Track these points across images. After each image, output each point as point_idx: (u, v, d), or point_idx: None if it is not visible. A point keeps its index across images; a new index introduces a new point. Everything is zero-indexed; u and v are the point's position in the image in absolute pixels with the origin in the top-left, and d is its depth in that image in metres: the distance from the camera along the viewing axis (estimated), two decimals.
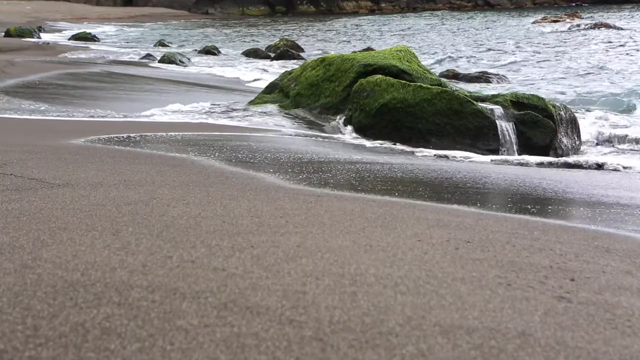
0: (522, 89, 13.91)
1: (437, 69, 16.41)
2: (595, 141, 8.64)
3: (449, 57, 22.04)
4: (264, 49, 24.46)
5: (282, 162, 5.46)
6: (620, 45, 22.93)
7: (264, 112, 8.95)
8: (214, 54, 23.56)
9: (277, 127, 8.11)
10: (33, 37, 28.41)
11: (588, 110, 11.33)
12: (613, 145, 8.32)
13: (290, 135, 7.69)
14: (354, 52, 19.47)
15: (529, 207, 4.23)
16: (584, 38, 26.54)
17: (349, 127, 8.19)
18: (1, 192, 3.43)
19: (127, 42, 30.90)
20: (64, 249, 2.50)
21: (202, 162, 4.90)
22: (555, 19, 38.25)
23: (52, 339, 1.77)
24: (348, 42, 31.46)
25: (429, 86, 8.06)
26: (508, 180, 5.48)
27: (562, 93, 13.89)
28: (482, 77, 15.14)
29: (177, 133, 6.67)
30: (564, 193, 4.91)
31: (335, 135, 7.98)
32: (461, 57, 21.83)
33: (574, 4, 61.67)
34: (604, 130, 9.41)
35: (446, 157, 7.07)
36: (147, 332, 1.84)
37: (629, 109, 11.46)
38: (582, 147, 8.22)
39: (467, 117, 7.66)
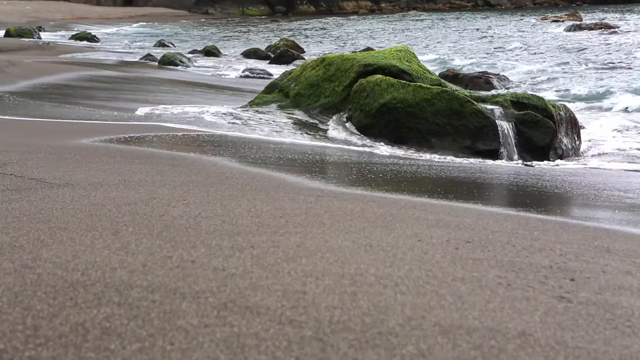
0: (522, 89, 13.92)
1: (437, 69, 16.40)
2: (595, 141, 8.64)
3: (449, 57, 22.04)
4: (264, 49, 24.46)
5: (282, 162, 5.46)
6: (620, 45, 22.92)
7: (264, 112, 8.95)
8: (214, 54, 23.56)
9: (276, 127, 8.11)
10: (33, 37, 28.42)
11: (585, 110, 11.33)
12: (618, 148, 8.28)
13: (290, 135, 7.69)
14: (354, 52, 19.47)
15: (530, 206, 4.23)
16: (584, 38, 26.54)
17: (349, 127, 8.18)
18: (1, 192, 3.43)
19: (127, 42, 30.90)
20: (64, 249, 2.50)
21: (202, 161, 4.90)
22: (556, 19, 38.28)
23: (52, 339, 1.77)
24: (348, 42, 31.46)
25: (429, 86, 8.05)
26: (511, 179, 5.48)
27: (562, 93, 13.89)
28: (483, 77, 15.12)
29: (175, 133, 6.67)
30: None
31: (334, 136, 7.98)
32: (461, 57, 21.83)
33: (574, 4, 61.64)
34: (604, 130, 9.42)
35: (445, 159, 7.07)
36: (147, 332, 1.84)
37: (628, 109, 11.44)
38: (582, 147, 8.21)
39: (467, 117, 7.65)
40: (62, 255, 2.42)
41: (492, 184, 5.48)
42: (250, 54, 23.37)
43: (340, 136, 7.95)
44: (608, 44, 23.65)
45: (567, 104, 9.25)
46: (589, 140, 8.57)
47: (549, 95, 12.49)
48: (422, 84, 8.12)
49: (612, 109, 11.74)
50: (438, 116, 7.70)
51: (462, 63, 20.00)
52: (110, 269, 2.29)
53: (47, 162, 4.33)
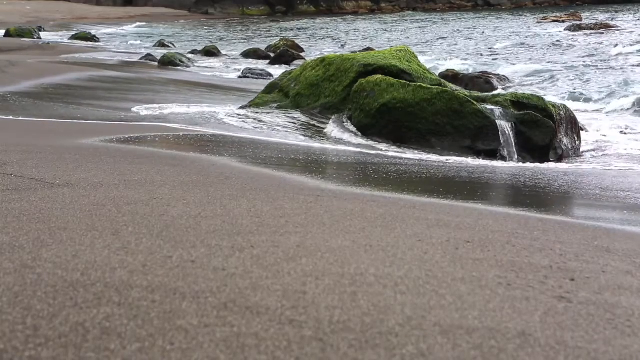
0: (523, 89, 13.92)
1: (437, 69, 16.40)
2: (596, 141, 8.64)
3: (449, 56, 22.04)
4: (264, 49, 24.46)
5: (282, 162, 5.46)
6: (620, 45, 22.91)
7: (264, 112, 8.95)
8: (214, 54, 23.55)
9: (276, 127, 8.11)
10: (33, 37, 28.43)
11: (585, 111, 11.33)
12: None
13: (290, 135, 7.69)
14: (354, 51, 19.47)
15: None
16: (584, 38, 26.54)
17: (349, 127, 8.18)
18: (1, 192, 3.43)
19: (127, 42, 30.91)
20: (64, 249, 2.50)
21: (202, 161, 4.90)
22: (556, 19, 38.28)
23: (52, 339, 1.77)
24: (348, 41, 31.46)
25: (429, 86, 8.05)
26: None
27: (562, 93, 13.89)
28: (483, 77, 15.11)
29: (175, 133, 6.67)
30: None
31: (334, 136, 7.98)
32: (461, 57, 21.83)
33: (574, 4, 61.62)
34: (604, 130, 9.42)
35: (445, 159, 7.08)
36: (147, 332, 1.84)
37: (628, 109, 11.44)
38: (582, 147, 8.21)
39: (467, 117, 7.65)
40: (62, 255, 2.42)
41: (492, 184, 5.49)
42: (250, 54, 23.36)
43: (340, 136, 7.95)
44: (608, 43, 23.64)
45: (567, 104, 9.24)
46: (589, 141, 8.57)
47: (549, 95, 12.48)
48: (422, 84, 8.12)
49: (612, 109, 11.74)
50: (438, 116, 7.70)
51: (462, 63, 19.99)
52: (110, 269, 2.29)
53: (47, 162, 4.33)
